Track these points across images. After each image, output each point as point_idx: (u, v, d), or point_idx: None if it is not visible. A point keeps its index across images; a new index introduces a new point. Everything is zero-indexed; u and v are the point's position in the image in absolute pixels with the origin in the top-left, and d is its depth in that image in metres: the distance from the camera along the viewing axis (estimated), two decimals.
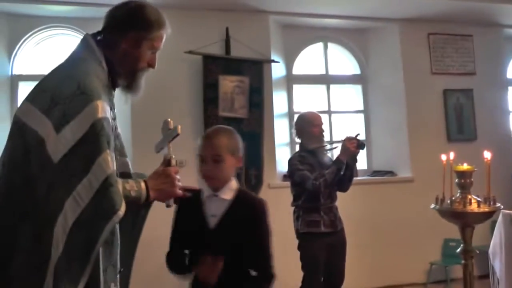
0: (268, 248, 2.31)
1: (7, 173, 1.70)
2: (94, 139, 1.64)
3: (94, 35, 1.90)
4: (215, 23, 5.21)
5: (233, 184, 2.37)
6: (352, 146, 3.71)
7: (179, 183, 1.94)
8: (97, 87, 1.73)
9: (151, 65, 1.97)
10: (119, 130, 1.93)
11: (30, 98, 1.77)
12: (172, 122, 2.12)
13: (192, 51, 4.96)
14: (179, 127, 2.03)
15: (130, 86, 1.95)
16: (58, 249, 1.57)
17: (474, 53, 6.31)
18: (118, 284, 1.84)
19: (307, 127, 3.94)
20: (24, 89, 5.28)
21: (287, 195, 4.24)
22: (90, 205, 1.60)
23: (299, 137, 4.07)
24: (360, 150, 3.79)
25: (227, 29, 5.21)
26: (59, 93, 1.67)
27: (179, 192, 1.94)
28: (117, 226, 1.76)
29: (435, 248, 5.72)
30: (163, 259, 2.49)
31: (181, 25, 5.09)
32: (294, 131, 4.10)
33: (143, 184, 1.80)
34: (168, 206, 2.01)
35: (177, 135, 2.02)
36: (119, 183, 1.70)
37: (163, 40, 1.99)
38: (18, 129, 1.71)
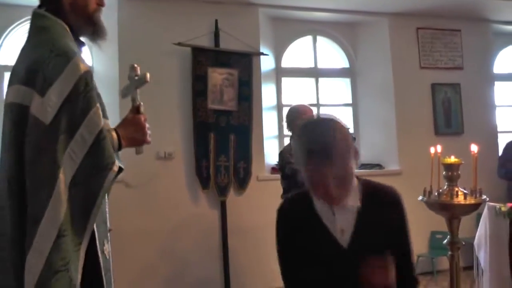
0: (412, 249, 2.01)
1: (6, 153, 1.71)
2: (83, 95, 1.65)
3: (40, 7, 1.88)
4: (204, 15, 5.18)
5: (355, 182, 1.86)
6: None
7: (149, 131, 1.94)
8: (70, 45, 1.73)
9: (100, 3, 1.93)
10: (98, 90, 1.89)
11: (9, 82, 1.79)
12: (139, 68, 2.06)
13: (181, 43, 4.94)
14: (148, 74, 1.98)
15: (95, 31, 1.92)
16: (61, 208, 1.57)
17: (462, 48, 6.34)
18: (109, 241, 1.84)
19: (298, 120, 3.92)
20: None
21: (275, 188, 4.25)
22: (85, 160, 1.61)
23: (290, 129, 4.08)
24: None
25: (216, 21, 5.19)
26: (34, 62, 1.67)
27: (149, 140, 1.95)
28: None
29: (422, 240, 5.78)
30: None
31: (171, 17, 5.10)
32: (285, 123, 4.11)
33: (114, 134, 1.81)
34: (138, 152, 1.99)
35: (146, 82, 1.98)
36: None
37: None
38: (6, 112, 1.72)
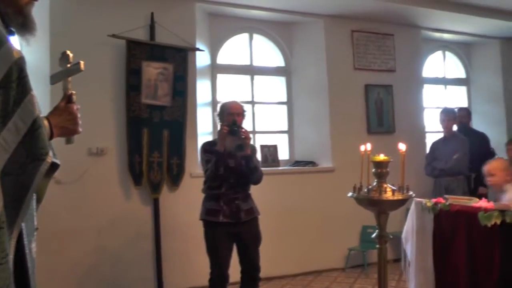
0: None
1: None
2: (16, 82, 1.56)
3: None
4: (140, 7, 5.07)
5: None
6: (224, 130, 3.80)
7: (80, 121, 1.89)
8: (1, 30, 1.62)
9: None
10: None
11: None
12: (72, 56, 1.99)
13: (115, 35, 4.81)
14: (82, 63, 1.92)
15: (24, 24, 1.82)
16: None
17: (394, 52, 6.55)
18: (35, 241, 1.76)
19: (225, 115, 3.98)
20: None
21: None
22: (18, 150, 1.53)
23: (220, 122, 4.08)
24: (234, 136, 3.83)
25: (152, 14, 5.09)
26: None
27: (80, 129, 1.89)
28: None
29: (354, 234, 5.94)
30: None
31: (105, 8, 4.97)
32: (217, 118, 4.10)
33: (46, 122, 1.74)
34: (69, 142, 1.93)
35: (80, 71, 1.92)
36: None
37: None
38: None
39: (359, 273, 5.72)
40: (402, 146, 3.22)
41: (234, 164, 3.83)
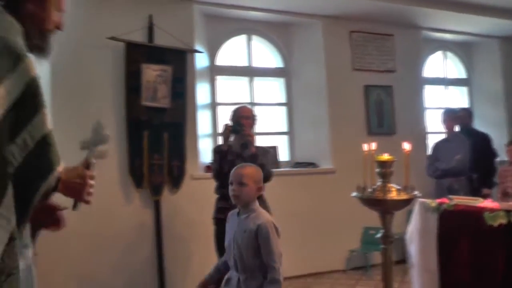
0: None
1: None
2: (31, 98, 1.58)
3: None
4: (138, 10, 5.04)
5: None
6: (227, 130, 3.99)
7: (91, 190, 1.87)
8: (22, 45, 1.65)
9: (58, 27, 1.91)
10: None
11: None
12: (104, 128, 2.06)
13: (114, 37, 4.78)
14: (108, 135, 2.00)
15: (42, 48, 1.87)
16: (12, 210, 1.50)
17: (394, 52, 6.52)
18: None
19: (236, 119, 4.14)
20: None
21: (209, 186, 4.21)
22: (23, 165, 1.54)
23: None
24: (237, 135, 4.03)
25: (150, 16, 5.06)
26: None
27: (86, 199, 1.87)
28: None
29: (355, 236, 5.88)
30: None
31: (104, 10, 4.94)
32: (230, 123, 4.22)
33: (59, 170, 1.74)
34: (74, 209, 1.94)
35: (107, 142, 1.99)
36: None
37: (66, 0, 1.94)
38: None
39: (360, 275, 5.69)
40: (406, 146, 3.20)
41: None
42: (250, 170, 2.81)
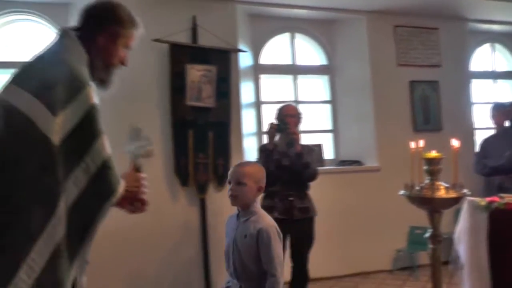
0: None
1: None
2: (90, 124, 1.71)
3: (74, 30, 1.97)
4: (182, 11, 5.13)
5: None
6: (272, 129, 4.00)
7: (146, 190, 2.02)
8: (86, 74, 1.80)
9: (123, 62, 2.08)
10: None
11: (17, 81, 1.75)
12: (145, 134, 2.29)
13: (159, 39, 4.86)
14: (153, 149, 2.24)
15: (104, 80, 2.03)
16: (60, 228, 1.60)
17: (439, 46, 6.39)
18: (85, 274, 1.85)
19: (281, 117, 4.15)
20: None
21: None
22: (87, 188, 1.66)
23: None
24: (282, 133, 4.04)
25: (194, 17, 5.13)
26: (50, 78, 1.70)
27: (145, 198, 2.00)
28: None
29: (401, 235, 5.79)
30: None
31: (149, 13, 4.99)
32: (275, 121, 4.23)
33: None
34: (132, 212, 2.07)
35: (150, 156, 2.22)
36: None
37: (135, 39, 2.11)
38: (6, 110, 1.67)
39: (407, 275, 5.60)
40: (455, 142, 3.14)
41: (288, 163, 3.93)
42: (250, 169, 2.66)
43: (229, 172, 2.64)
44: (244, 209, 2.60)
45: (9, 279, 1.53)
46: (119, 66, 2.08)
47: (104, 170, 1.71)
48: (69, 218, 1.63)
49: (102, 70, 2.00)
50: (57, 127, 1.63)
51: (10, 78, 1.78)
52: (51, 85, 1.68)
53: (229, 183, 2.59)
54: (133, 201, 1.98)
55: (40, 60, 1.84)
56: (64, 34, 1.94)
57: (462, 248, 3.66)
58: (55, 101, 1.65)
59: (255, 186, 2.61)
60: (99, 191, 1.70)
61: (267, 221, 2.58)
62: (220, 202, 5.09)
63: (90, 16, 2.02)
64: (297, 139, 3.93)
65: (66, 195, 1.62)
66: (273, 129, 3.98)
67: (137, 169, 2.03)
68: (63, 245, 1.61)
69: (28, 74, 1.78)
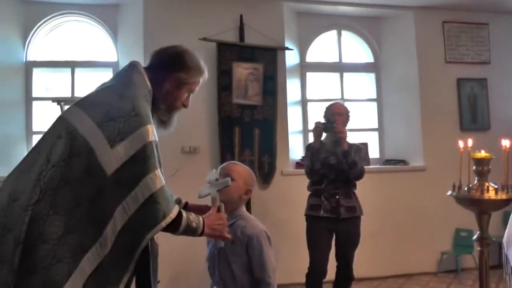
0: None
1: (52, 168, 1.80)
2: (144, 160, 1.84)
3: (144, 68, 2.10)
4: (229, 10, 5.20)
5: None
6: (318, 128, 3.97)
7: (228, 228, 2.20)
8: (149, 112, 1.92)
9: (185, 105, 2.20)
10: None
11: (83, 106, 1.92)
12: (218, 172, 2.38)
13: (206, 38, 4.95)
14: (229, 179, 2.28)
15: (166, 122, 2.16)
16: (106, 247, 1.78)
17: (489, 42, 6.24)
18: None
19: (329, 116, 4.13)
20: (38, 75, 5.31)
21: (299, 182, 4.26)
22: (135, 215, 1.80)
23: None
24: (328, 132, 4.02)
25: (241, 16, 5.19)
26: (114, 110, 1.84)
27: (228, 235, 2.18)
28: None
29: (446, 237, 5.71)
30: None
31: (196, 12, 5.11)
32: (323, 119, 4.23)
33: (201, 220, 2.04)
34: (219, 246, 2.30)
35: (227, 186, 2.25)
36: (184, 213, 1.95)
37: (199, 84, 2.23)
38: (68, 132, 1.84)
39: (452, 279, 5.48)
40: (505, 142, 3.08)
41: (335, 161, 3.93)
42: (242, 169, 2.53)
43: (219, 168, 2.52)
44: (230, 211, 2.38)
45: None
46: (180, 108, 2.19)
47: (150, 203, 1.82)
48: (117, 239, 1.79)
49: (164, 112, 2.12)
50: (112, 158, 1.79)
51: (77, 101, 1.96)
52: (113, 117, 1.82)
53: (216, 180, 2.32)
54: (217, 237, 2.18)
55: (107, 90, 1.99)
56: (134, 67, 2.06)
57: (511, 252, 3.58)
58: (114, 133, 1.80)
59: (244, 187, 2.48)
60: (145, 220, 1.82)
61: (257, 226, 2.44)
62: (265, 199, 5.14)
63: (160, 59, 2.13)
64: (344, 138, 3.93)
65: (116, 218, 1.79)
66: (320, 128, 3.98)
67: (217, 209, 2.18)
68: (106, 262, 1.78)
69: (94, 102, 1.94)
